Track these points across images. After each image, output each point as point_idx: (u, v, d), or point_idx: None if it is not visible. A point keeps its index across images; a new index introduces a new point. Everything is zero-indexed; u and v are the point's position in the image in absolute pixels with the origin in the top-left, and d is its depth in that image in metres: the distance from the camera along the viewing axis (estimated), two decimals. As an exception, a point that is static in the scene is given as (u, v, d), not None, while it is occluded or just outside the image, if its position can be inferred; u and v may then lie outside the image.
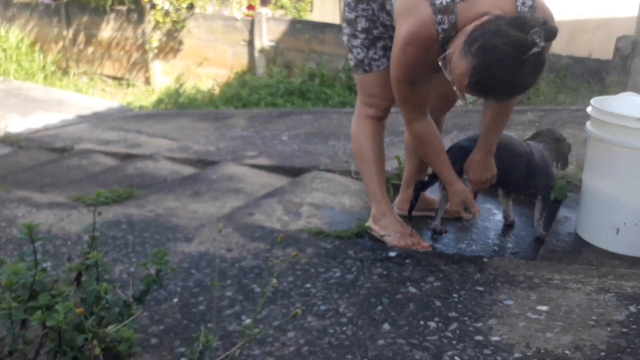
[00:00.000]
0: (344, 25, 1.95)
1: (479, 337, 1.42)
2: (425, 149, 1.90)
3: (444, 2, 1.56)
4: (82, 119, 5.59)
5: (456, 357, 1.35)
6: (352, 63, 2.00)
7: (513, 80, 1.51)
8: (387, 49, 1.90)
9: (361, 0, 1.85)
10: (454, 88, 1.62)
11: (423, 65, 1.67)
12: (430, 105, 1.85)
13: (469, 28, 1.55)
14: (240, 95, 5.83)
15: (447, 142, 3.26)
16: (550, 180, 2.06)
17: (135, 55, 7.39)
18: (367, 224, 2.13)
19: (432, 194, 2.22)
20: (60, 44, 7.99)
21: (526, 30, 1.45)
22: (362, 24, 1.89)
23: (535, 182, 2.01)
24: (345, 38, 1.98)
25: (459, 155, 1.93)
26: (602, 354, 1.32)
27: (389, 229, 2.04)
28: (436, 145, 1.87)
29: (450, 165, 1.88)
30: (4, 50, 7.62)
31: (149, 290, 1.34)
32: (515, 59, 1.47)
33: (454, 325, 1.48)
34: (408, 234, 2.02)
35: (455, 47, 1.57)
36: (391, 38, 1.87)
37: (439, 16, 1.57)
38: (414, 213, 2.17)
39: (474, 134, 2.18)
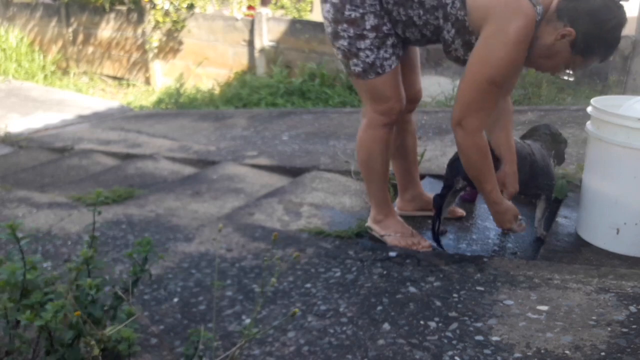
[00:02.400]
0: (345, 27, 1.73)
1: (479, 337, 1.42)
2: (483, 164, 1.74)
3: None
4: (82, 118, 5.59)
5: (456, 357, 1.35)
6: (357, 69, 1.79)
7: (616, 24, 1.59)
8: (395, 47, 1.78)
9: None
10: (553, 73, 1.72)
11: (522, 60, 1.65)
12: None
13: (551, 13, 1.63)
14: (240, 95, 5.82)
15: (448, 141, 3.27)
16: (552, 179, 2.06)
17: (135, 55, 7.39)
18: (367, 224, 2.13)
19: (432, 193, 2.22)
20: (60, 43, 7.99)
21: None
22: (370, 21, 1.71)
23: (538, 182, 2.00)
24: (344, 43, 1.76)
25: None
26: (602, 354, 1.32)
27: (389, 229, 2.04)
28: (491, 162, 1.75)
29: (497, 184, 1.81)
30: (4, 50, 7.63)
31: (138, 280, 1.33)
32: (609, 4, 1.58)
33: (454, 325, 1.48)
34: (408, 234, 2.02)
35: (544, 34, 1.64)
36: (397, 35, 1.78)
37: (538, 7, 1.60)
38: (414, 213, 2.18)
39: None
